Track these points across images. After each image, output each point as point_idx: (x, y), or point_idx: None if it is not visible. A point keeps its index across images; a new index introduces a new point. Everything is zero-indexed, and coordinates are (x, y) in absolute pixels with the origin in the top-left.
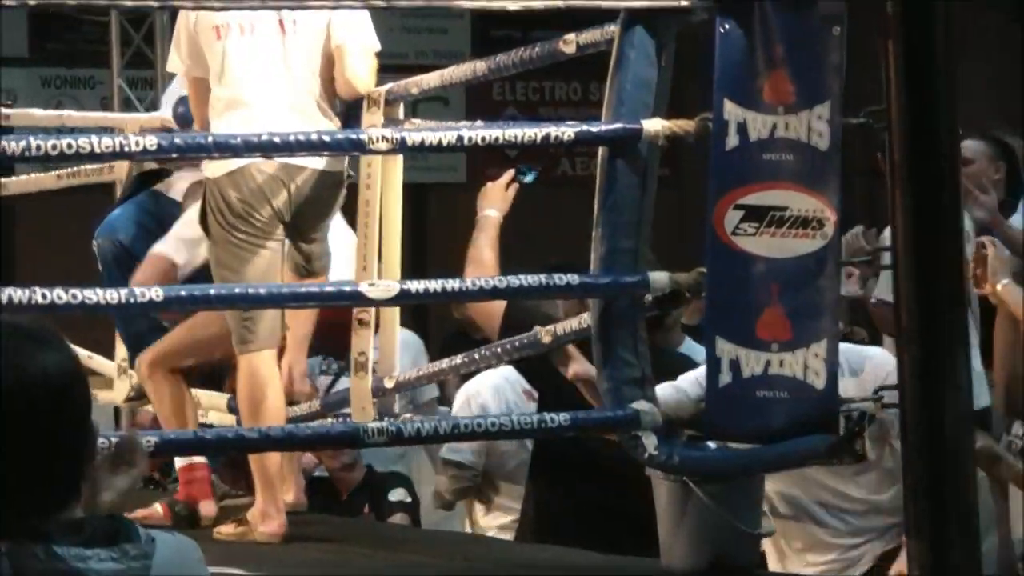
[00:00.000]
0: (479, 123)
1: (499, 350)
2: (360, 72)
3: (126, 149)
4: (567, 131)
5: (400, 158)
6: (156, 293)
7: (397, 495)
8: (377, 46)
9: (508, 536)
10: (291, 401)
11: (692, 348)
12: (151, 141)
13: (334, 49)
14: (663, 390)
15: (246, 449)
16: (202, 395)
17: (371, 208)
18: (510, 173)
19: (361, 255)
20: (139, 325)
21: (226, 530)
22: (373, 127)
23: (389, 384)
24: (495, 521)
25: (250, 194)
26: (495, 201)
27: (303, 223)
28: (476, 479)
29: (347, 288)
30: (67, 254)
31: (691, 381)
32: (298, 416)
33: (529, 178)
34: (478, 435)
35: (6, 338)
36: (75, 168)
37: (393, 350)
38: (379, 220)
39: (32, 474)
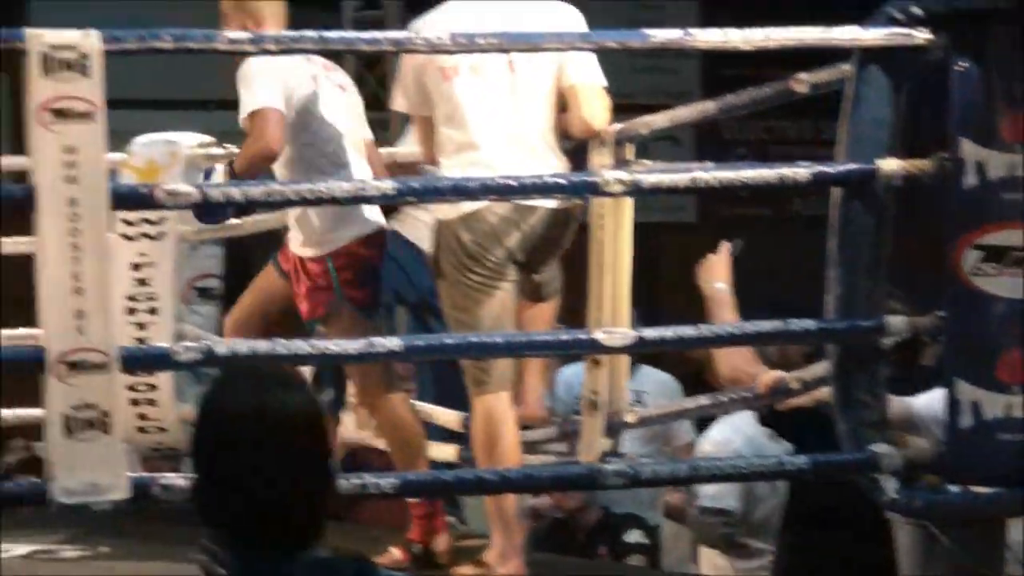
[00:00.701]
0: (712, 164)
1: (749, 395)
2: (597, 111)
3: (364, 193)
4: (802, 172)
5: (631, 199)
6: (395, 344)
7: (634, 537)
8: (605, 83)
9: None
10: (525, 426)
11: None
12: (389, 186)
13: (567, 89)
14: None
15: (485, 490)
16: (436, 411)
17: (603, 248)
18: (727, 246)
19: (594, 295)
20: None
21: (465, 571)
22: (602, 167)
23: (632, 419)
24: (744, 565)
25: (483, 236)
26: (721, 274)
27: (535, 261)
28: (738, 526)
29: (583, 336)
30: None
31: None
32: (534, 440)
33: (739, 249)
34: (717, 478)
35: (249, 380)
36: None
37: (622, 387)
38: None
39: (275, 512)
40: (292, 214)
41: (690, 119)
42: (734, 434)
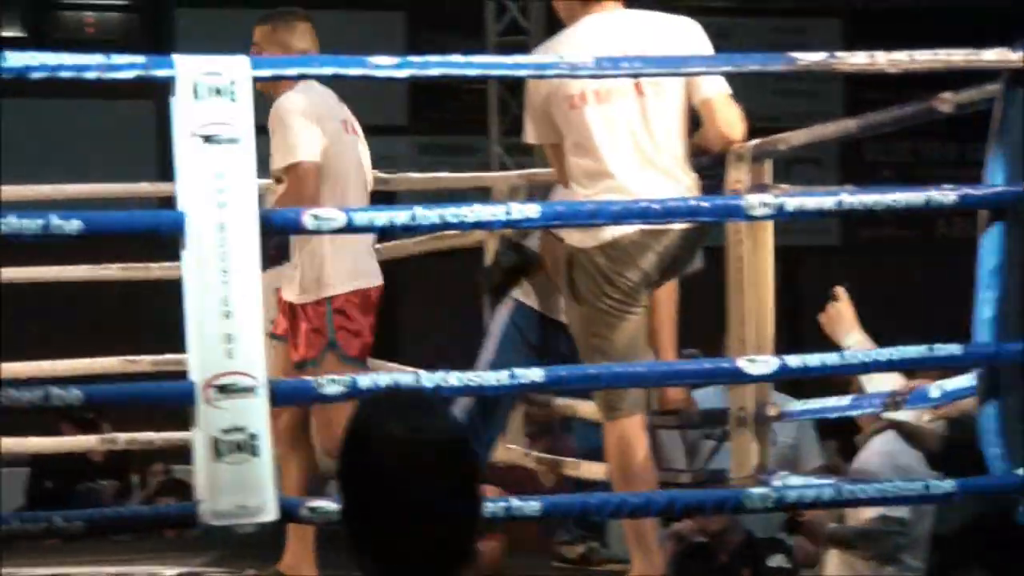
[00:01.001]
0: (856, 188)
1: (888, 400)
2: (734, 121)
3: (510, 217)
4: (949, 195)
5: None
6: (538, 375)
7: (776, 561)
8: (731, 90)
9: None
10: (669, 411)
11: None
12: (533, 209)
13: (700, 103)
14: None
15: (630, 514)
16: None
17: (743, 265)
18: (841, 291)
19: (735, 319)
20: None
21: None
22: (739, 182)
23: (773, 412)
24: None
25: (621, 262)
26: (852, 322)
27: (665, 278)
28: (908, 537)
29: (726, 364)
30: (450, 317)
31: None
32: (676, 482)
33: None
34: (861, 502)
35: (396, 406)
36: (432, 234)
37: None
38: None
39: (425, 539)
40: (295, 264)
41: (830, 137)
42: (898, 444)
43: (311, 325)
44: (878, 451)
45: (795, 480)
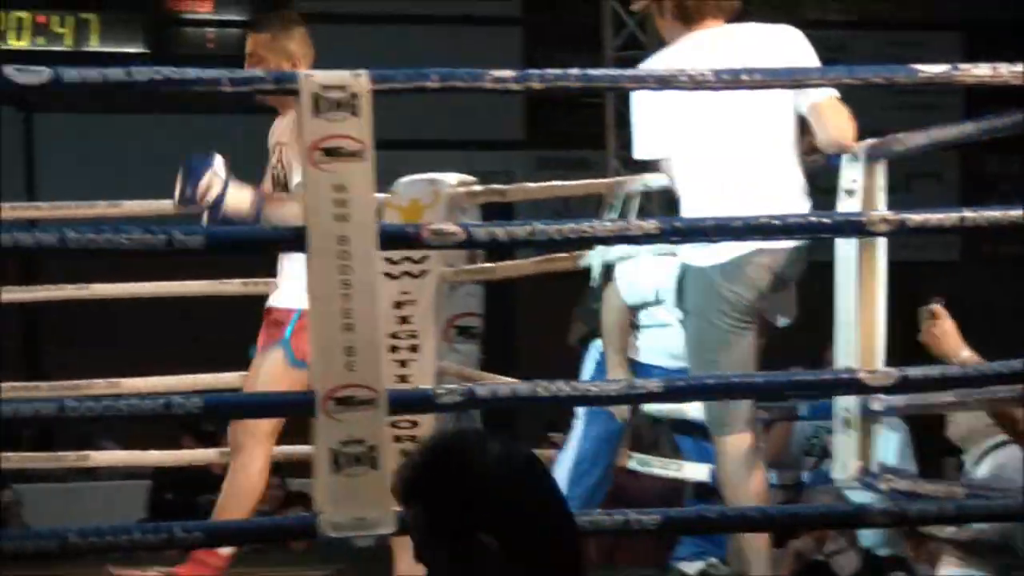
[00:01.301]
0: (976, 207)
1: (995, 397)
2: (844, 125)
3: (629, 233)
4: None
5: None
6: (655, 386)
7: None
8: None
9: None
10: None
11: None
12: (652, 225)
13: (809, 109)
14: None
15: (749, 528)
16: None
17: (853, 279)
18: (940, 309)
19: (844, 332)
20: None
21: None
22: (854, 181)
23: (877, 406)
24: None
25: (740, 283)
26: (957, 341)
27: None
28: None
29: (845, 375)
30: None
31: None
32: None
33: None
34: (984, 517)
35: (474, 434)
36: (549, 255)
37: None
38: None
39: (546, 560)
40: (286, 274)
41: (949, 139)
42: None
43: (274, 319)
44: (1016, 456)
45: (901, 484)
